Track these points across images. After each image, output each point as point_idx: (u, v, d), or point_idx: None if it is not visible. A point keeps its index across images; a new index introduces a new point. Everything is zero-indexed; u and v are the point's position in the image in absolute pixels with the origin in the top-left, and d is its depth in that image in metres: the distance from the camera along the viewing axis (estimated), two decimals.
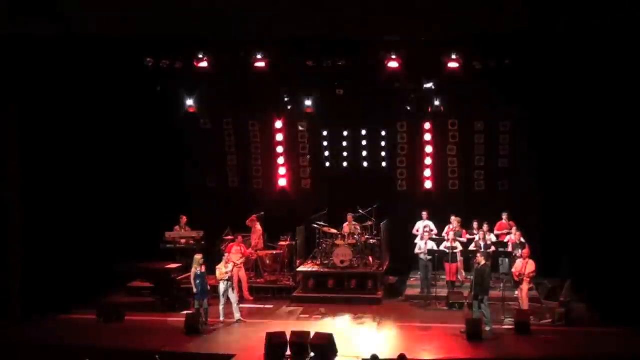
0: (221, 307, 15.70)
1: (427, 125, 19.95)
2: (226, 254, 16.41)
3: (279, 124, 20.60)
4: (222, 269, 15.79)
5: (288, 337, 13.46)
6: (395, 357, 11.16)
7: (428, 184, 20.12)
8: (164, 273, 17.17)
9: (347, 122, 19.92)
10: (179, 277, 17.16)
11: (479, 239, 17.67)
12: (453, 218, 18.19)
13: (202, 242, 18.58)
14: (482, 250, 16.89)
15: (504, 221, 18.37)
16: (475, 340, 14.14)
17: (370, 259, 18.22)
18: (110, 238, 17.73)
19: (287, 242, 18.85)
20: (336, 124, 20.01)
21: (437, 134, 19.98)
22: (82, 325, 15.65)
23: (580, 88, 16.22)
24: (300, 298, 17.56)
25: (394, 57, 16.73)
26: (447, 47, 16.55)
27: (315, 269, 18.25)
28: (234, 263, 16.43)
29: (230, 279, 15.82)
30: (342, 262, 17.76)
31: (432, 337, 14.74)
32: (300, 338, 13.46)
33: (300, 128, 20.61)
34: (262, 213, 19.04)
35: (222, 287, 15.73)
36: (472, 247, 17.58)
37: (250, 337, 14.74)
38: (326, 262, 18.20)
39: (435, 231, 18.22)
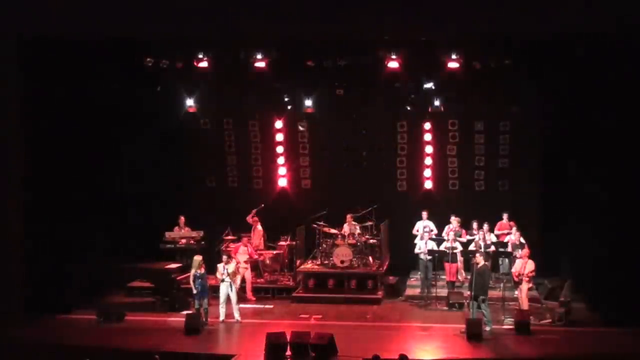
0: (221, 308, 15.70)
1: (427, 125, 19.93)
2: (224, 256, 16.38)
3: (279, 124, 20.57)
4: (220, 269, 15.79)
5: (288, 337, 13.46)
6: (396, 357, 11.16)
7: (428, 184, 20.11)
8: (164, 273, 17.16)
9: (347, 122, 19.89)
10: (179, 277, 17.14)
11: (479, 239, 17.68)
12: (453, 218, 18.19)
13: (202, 242, 18.60)
14: (482, 250, 16.91)
15: (504, 221, 18.38)
16: (475, 340, 14.14)
17: (370, 259, 18.21)
18: (110, 238, 17.73)
19: (287, 242, 18.85)
20: (336, 124, 19.98)
21: (437, 134, 19.97)
22: (82, 325, 15.64)
23: (580, 87, 16.22)
24: (300, 298, 17.57)
25: (394, 57, 16.74)
26: (447, 47, 16.56)
27: (315, 269, 18.26)
28: (239, 263, 16.49)
29: (229, 279, 15.78)
30: (342, 262, 17.76)
31: (432, 337, 14.76)
32: (300, 338, 13.45)
33: (300, 128, 20.59)
34: (262, 205, 18.98)
35: (222, 287, 15.73)
36: (472, 247, 17.59)
37: (250, 337, 14.76)
38: (326, 262, 18.20)
39: (435, 231, 18.23)
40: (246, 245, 17.68)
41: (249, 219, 18.80)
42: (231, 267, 15.87)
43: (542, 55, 16.16)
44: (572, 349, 13.93)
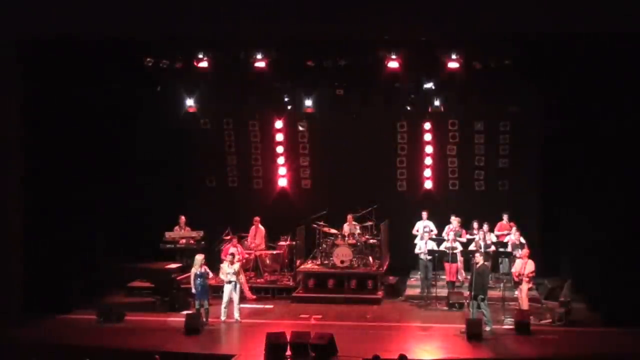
0: (223, 308, 15.70)
1: (427, 125, 19.95)
2: (230, 256, 16.35)
3: (279, 124, 20.58)
4: (225, 269, 15.79)
5: (288, 337, 13.46)
6: (396, 357, 11.16)
7: (428, 184, 20.13)
8: (164, 273, 17.16)
9: (346, 122, 19.87)
10: (179, 277, 17.13)
11: (479, 239, 17.68)
12: (453, 218, 18.19)
13: (202, 242, 18.59)
14: (482, 250, 16.91)
15: (504, 222, 18.38)
16: (475, 340, 14.14)
17: (370, 259, 18.21)
18: (110, 238, 17.72)
19: (287, 242, 18.85)
20: (336, 124, 19.97)
21: (437, 134, 19.98)
22: (82, 325, 15.64)
23: (580, 87, 16.22)
24: (300, 298, 17.57)
25: (394, 57, 16.75)
26: (447, 47, 16.56)
27: (315, 269, 18.26)
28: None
29: (234, 280, 15.77)
30: (342, 262, 17.76)
31: (432, 337, 14.77)
32: (300, 338, 13.46)
33: (300, 128, 20.60)
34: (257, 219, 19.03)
35: (226, 287, 15.72)
36: (472, 247, 17.59)
37: (250, 337, 14.76)
38: (326, 262, 18.20)
39: (435, 231, 18.23)
40: (236, 246, 17.66)
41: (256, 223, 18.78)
42: (237, 266, 15.87)
43: (542, 55, 16.16)
44: (572, 349, 13.93)
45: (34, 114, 16.20)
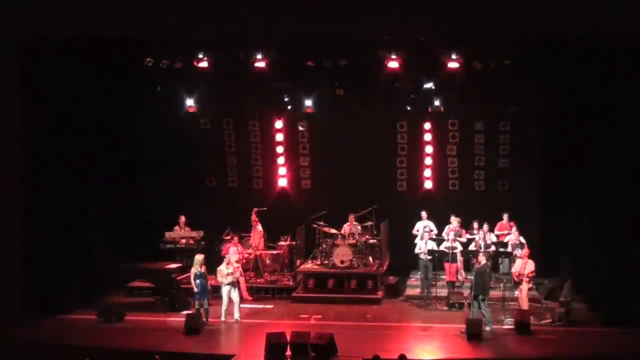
0: (224, 308, 15.70)
1: (427, 125, 19.95)
2: (231, 256, 16.36)
3: (279, 124, 20.58)
4: (223, 270, 15.78)
5: (288, 337, 13.46)
6: (396, 357, 11.16)
7: (428, 184, 20.12)
8: (164, 273, 17.16)
9: (346, 122, 19.88)
10: (179, 277, 17.14)
11: (479, 239, 17.69)
12: (453, 218, 18.19)
13: (202, 242, 18.59)
14: (482, 250, 16.92)
15: (504, 222, 18.39)
16: (475, 340, 14.14)
17: (370, 259, 18.21)
18: (110, 238, 17.73)
19: (287, 242, 18.84)
20: (336, 124, 19.97)
21: (437, 134, 19.99)
22: (82, 325, 15.64)
23: (580, 87, 16.22)
24: (300, 298, 17.57)
25: (394, 57, 16.75)
26: (447, 47, 16.57)
27: (315, 269, 18.26)
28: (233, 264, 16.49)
29: (232, 280, 15.78)
30: (342, 262, 17.76)
31: (432, 337, 14.78)
32: (300, 338, 13.46)
33: (300, 128, 20.60)
34: (265, 208, 19.05)
35: (225, 288, 15.72)
36: (472, 247, 17.60)
37: (250, 337, 14.76)
38: (326, 262, 18.20)
39: (435, 231, 18.22)
40: (236, 246, 17.67)
41: (253, 218, 18.83)
42: (231, 267, 15.85)
43: (542, 55, 16.16)
44: (572, 349, 13.94)
45: (34, 114, 16.19)
